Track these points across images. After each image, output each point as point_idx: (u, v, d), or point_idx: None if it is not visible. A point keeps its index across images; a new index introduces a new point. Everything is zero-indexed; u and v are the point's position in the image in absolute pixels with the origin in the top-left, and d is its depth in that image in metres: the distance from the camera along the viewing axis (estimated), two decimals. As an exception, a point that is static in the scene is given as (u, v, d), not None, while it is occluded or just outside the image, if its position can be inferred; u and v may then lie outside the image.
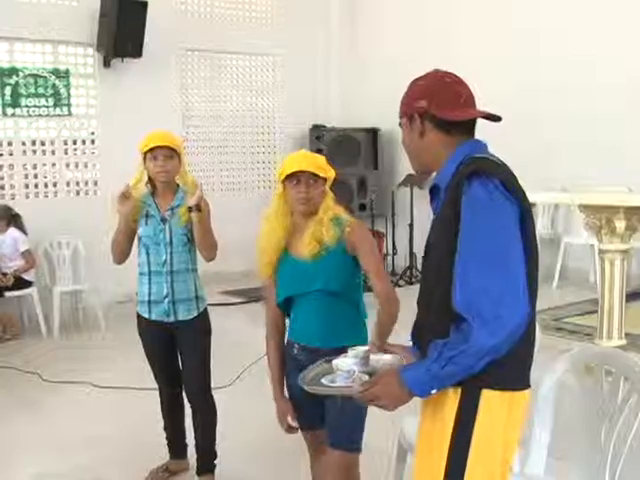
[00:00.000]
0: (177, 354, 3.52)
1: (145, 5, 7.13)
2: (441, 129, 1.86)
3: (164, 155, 3.29)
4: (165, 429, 3.72)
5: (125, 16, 7.02)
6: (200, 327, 3.48)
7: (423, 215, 8.20)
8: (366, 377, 1.94)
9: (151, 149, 3.28)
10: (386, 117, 8.62)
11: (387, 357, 2.09)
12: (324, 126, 8.83)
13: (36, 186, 7.42)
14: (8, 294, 6.66)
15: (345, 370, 1.96)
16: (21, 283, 6.73)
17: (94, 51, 7.47)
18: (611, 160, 6.25)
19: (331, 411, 2.64)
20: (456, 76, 1.90)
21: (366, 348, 2.09)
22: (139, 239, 3.41)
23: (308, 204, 2.62)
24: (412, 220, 7.83)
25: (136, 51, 7.27)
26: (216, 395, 3.59)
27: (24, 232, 6.80)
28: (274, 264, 2.70)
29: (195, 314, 3.45)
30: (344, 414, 2.59)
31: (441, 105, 1.84)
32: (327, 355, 2.40)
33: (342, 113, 9.09)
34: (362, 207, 8.43)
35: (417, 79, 1.92)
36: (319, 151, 8.61)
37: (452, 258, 1.71)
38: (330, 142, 8.64)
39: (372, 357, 2.08)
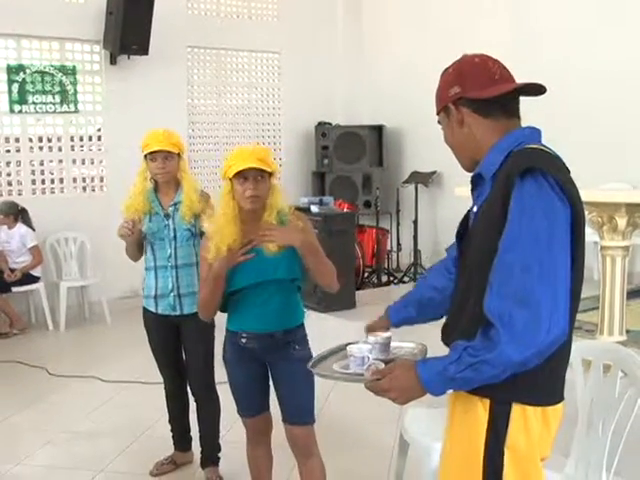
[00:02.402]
0: (182, 348, 3.57)
1: (151, 2, 7.15)
2: (480, 112, 1.71)
3: (163, 157, 3.36)
4: (170, 422, 3.77)
5: (131, 13, 7.04)
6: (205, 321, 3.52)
7: (428, 212, 8.26)
8: (382, 365, 1.83)
9: (150, 152, 3.35)
10: (391, 114, 8.72)
11: (409, 345, 2.00)
12: (329, 123, 8.85)
13: (43, 182, 7.46)
14: (15, 289, 6.73)
15: (358, 357, 1.87)
16: (28, 278, 6.79)
17: (101, 48, 7.50)
18: (614, 157, 6.25)
19: (284, 393, 2.83)
20: (485, 55, 1.77)
21: (388, 334, 2.01)
22: (144, 236, 3.47)
23: (257, 201, 2.65)
24: (417, 217, 7.85)
25: (142, 48, 7.30)
26: (218, 388, 3.62)
27: (31, 228, 6.85)
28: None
29: None
30: (298, 394, 2.80)
31: (475, 86, 1.70)
32: (279, 339, 2.71)
33: (347, 110, 9.11)
34: (367, 204, 8.45)
35: (446, 69, 1.79)
36: (324, 148, 8.66)
37: (494, 253, 1.58)
38: (335, 139, 8.66)
39: (394, 344, 2.01)
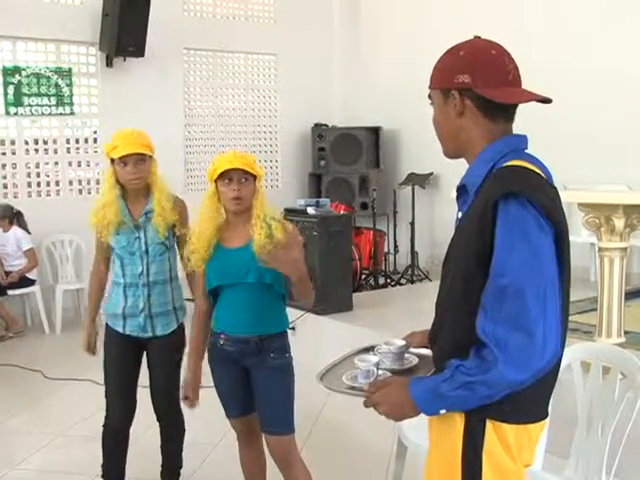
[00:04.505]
0: (138, 374, 3.28)
1: (147, 4, 7.14)
2: (484, 111, 1.63)
3: (135, 161, 3.02)
4: (104, 468, 3.39)
5: (127, 15, 7.03)
6: (177, 342, 3.25)
7: (424, 214, 8.25)
8: (389, 376, 1.83)
9: (121, 156, 3.00)
10: (388, 115, 8.71)
11: (425, 352, 1.96)
12: (326, 125, 8.84)
13: (39, 185, 7.44)
14: (11, 292, 6.71)
15: (364, 370, 1.83)
16: (24, 281, 6.77)
17: (97, 50, 7.49)
18: (611, 158, 6.25)
19: (259, 400, 2.81)
20: (501, 47, 1.66)
21: (402, 343, 1.98)
22: (112, 249, 3.18)
23: (240, 202, 2.69)
24: (413, 219, 7.85)
25: (138, 50, 7.29)
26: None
27: (27, 230, 6.83)
28: (206, 259, 2.77)
29: (174, 327, 3.22)
30: (272, 403, 2.77)
31: (487, 83, 1.60)
32: (255, 345, 2.71)
33: (344, 112, 9.11)
34: (364, 206, 8.44)
35: (456, 48, 1.67)
36: (321, 150, 8.65)
37: (469, 274, 1.59)
38: (332, 141, 8.66)
39: (414, 351, 1.98)
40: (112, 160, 3.06)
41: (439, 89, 1.68)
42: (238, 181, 2.67)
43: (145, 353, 3.28)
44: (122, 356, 3.21)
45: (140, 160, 3.04)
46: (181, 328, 3.28)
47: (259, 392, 2.80)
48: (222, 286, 2.77)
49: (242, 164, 2.66)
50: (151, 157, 3.11)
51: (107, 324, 3.24)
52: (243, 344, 2.76)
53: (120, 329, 3.18)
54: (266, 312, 2.77)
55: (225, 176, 2.67)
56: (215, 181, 2.72)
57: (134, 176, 3.04)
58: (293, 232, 2.78)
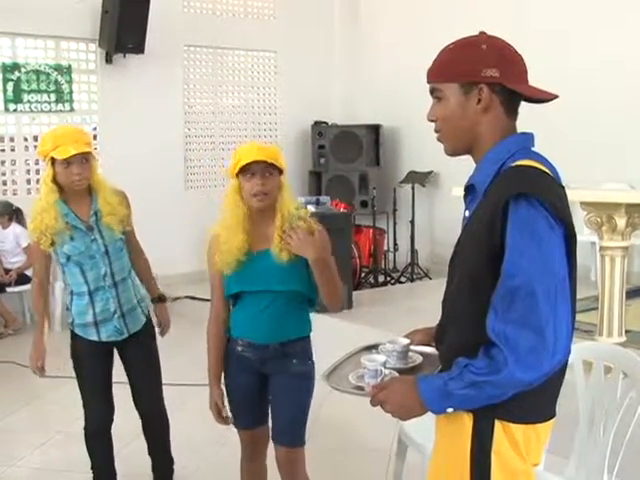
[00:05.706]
0: (112, 373, 3.21)
1: (147, 1, 7.13)
2: (506, 107, 1.63)
3: (80, 160, 2.87)
4: (93, 468, 3.31)
5: (127, 12, 7.02)
6: (150, 333, 3.21)
7: (424, 212, 8.24)
8: (395, 376, 1.82)
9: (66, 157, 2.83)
10: (388, 113, 8.70)
11: (428, 350, 1.96)
12: (326, 122, 8.83)
13: (38, 182, 7.40)
14: (10, 289, 6.70)
15: (372, 369, 1.82)
16: (23, 278, 6.74)
17: (96, 47, 7.47)
18: (613, 157, 6.24)
19: (274, 408, 2.68)
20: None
21: (406, 341, 1.96)
22: (67, 258, 3.00)
23: (264, 198, 2.49)
24: (413, 217, 7.84)
25: (138, 47, 7.27)
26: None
27: (26, 227, 6.81)
28: (232, 265, 2.56)
29: (144, 320, 3.17)
30: (287, 412, 2.64)
31: (513, 78, 1.61)
32: (276, 351, 2.56)
33: (344, 109, 9.09)
34: (364, 204, 8.43)
35: (474, 42, 1.63)
36: (321, 148, 8.64)
37: (478, 275, 1.59)
38: (332, 138, 8.64)
39: (415, 348, 1.98)
40: (52, 161, 2.87)
41: (459, 82, 1.63)
42: (262, 175, 2.45)
43: (117, 351, 3.19)
44: (98, 362, 3.13)
45: (84, 159, 2.89)
46: (149, 318, 3.23)
47: (276, 400, 2.67)
48: (243, 292, 2.60)
49: (265, 156, 2.44)
50: (92, 155, 2.98)
51: (75, 333, 3.12)
52: (263, 350, 2.61)
53: (95, 337, 3.07)
54: (290, 318, 2.62)
55: (247, 170, 2.45)
56: (237, 175, 2.50)
57: (80, 177, 2.89)
58: (321, 232, 2.56)
